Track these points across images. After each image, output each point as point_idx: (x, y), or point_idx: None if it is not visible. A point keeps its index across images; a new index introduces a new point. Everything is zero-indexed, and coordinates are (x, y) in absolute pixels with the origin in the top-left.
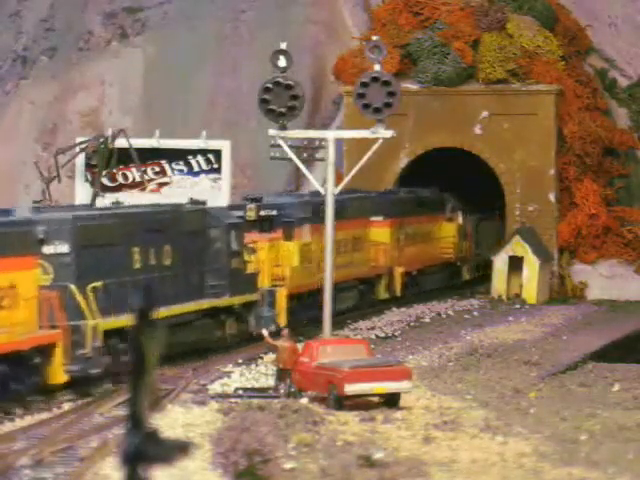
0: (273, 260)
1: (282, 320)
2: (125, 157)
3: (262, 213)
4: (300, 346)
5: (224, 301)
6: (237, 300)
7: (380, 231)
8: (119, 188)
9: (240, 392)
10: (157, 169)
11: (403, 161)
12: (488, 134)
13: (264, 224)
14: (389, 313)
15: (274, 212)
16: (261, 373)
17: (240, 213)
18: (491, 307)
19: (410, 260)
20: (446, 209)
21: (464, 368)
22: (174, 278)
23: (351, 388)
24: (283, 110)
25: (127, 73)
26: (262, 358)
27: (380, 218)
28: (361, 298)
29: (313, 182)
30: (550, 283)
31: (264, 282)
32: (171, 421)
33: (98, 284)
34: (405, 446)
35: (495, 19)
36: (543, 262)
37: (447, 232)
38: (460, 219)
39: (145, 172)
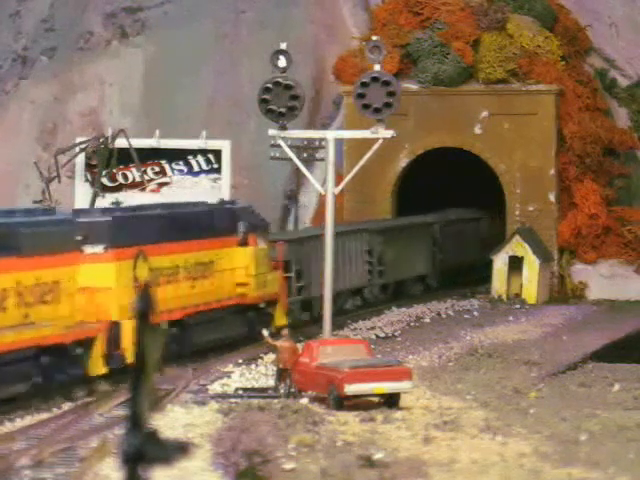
0: None
1: None
2: (125, 157)
3: None
4: (300, 346)
5: None
6: None
7: (97, 269)
8: (119, 188)
9: (240, 392)
10: (157, 169)
11: (403, 161)
12: (488, 134)
13: None
14: (389, 313)
15: None
16: (261, 373)
17: None
18: (491, 307)
19: (166, 305)
20: (238, 230)
21: (464, 368)
22: None
23: (351, 388)
24: (283, 110)
25: (127, 73)
26: (262, 358)
27: (99, 249)
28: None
29: (313, 182)
30: (550, 283)
31: None
32: (171, 421)
33: None
34: (405, 446)
35: (495, 19)
36: (543, 262)
37: (239, 262)
38: (263, 242)
39: (145, 172)
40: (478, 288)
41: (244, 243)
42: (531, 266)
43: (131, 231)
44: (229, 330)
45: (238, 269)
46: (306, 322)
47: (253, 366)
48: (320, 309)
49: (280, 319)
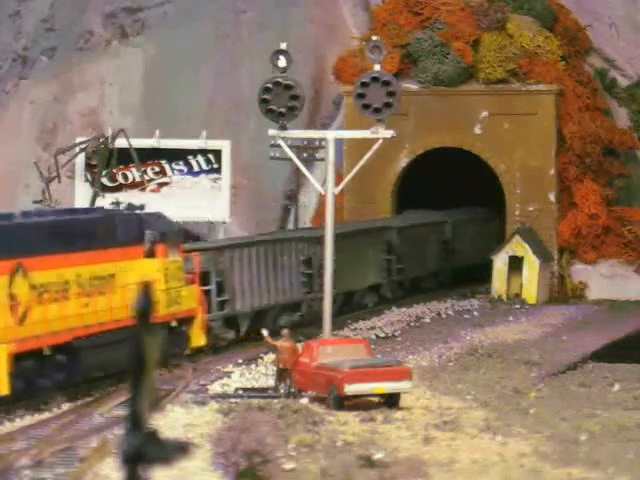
0: None
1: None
2: (125, 157)
3: None
4: (300, 346)
5: None
6: None
7: None
8: (119, 188)
9: (240, 392)
10: (157, 169)
11: (403, 161)
12: (488, 134)
13: None
14: (389, 313)
15: None
16: (261, 373)
17: None
18: (491, 307)
19: (50, 327)
20: (145, 239)
21: (464, 368)
22: None
23: (351, 388)
24: (283, 110)
25: (127, 73)
26: (262, 358)
27: None
28: None
29: (313, 182)
30: (550, 283)
31: None
32: (171, 421)
33: None
34: (405, 446)
35: (495, 19)
36: (543, 262)
37: (145, 275)
38: (175, 253)
39: (145, 172)
40: (478, 288)
41: (151, 254)
42: (531, 266)
43: (9, 241)
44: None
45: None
46: (231, 341)
47: (253, 366)
48: (251, 325)
49: (197, 339)
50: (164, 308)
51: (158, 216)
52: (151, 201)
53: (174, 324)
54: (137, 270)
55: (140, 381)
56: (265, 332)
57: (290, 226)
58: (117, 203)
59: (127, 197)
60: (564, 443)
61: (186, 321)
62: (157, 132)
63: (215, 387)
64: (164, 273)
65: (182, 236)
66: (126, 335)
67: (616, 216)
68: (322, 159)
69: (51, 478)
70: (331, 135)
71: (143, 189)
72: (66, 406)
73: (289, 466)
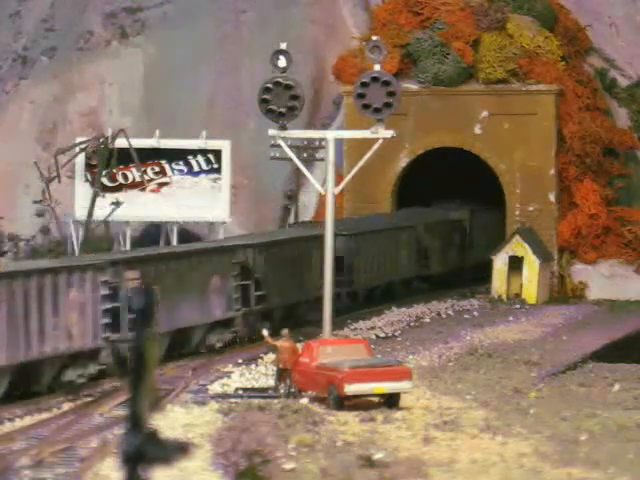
0: None
1: None
2: (125, 157)
3: None
4: (300, 346)
5: None
6: None
7: None
8: (119, 188)
9: (240, 392)
10: (157, 169)
11: (403, 161)
12: (488, 134)
13: None
14: (389, 313)
15: None
16: (261, 373)
17: None
18: (491, 307)
19: None
20: None
21: (464, 368)
22: None
23: (351, 388)
24: (283, 110)
25: (127, 73)
26: (262, 358)
27: None
28: None
29: (313, 182)
30: (550, 283)
31: None
32: (171, 421)
33: None
34: (405, 446)
35: (495, 19)
36: (543, 262)
37: None
38: None
39: (145, 172)
40: (478, 288)
41: None
42: (531, 266)
43: None
44: None
45: None
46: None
47: (253, 366)
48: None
49: None
50: None
51: None
52: (151, 201)
53: None
54: None
55: (140, 381)
56: (265, 332)
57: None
58: (117, 203)
59: (127, 197)
60: (564, 443)
61: None
62: (157, 132)
63: (215, 387)
64: None
65: None
66: None
67: (616, 216)
68: (322, 159)
69: (51, 478)
70: (331, 135)
71: (143, 189)
72: (66, 406)
73: (289, 466)
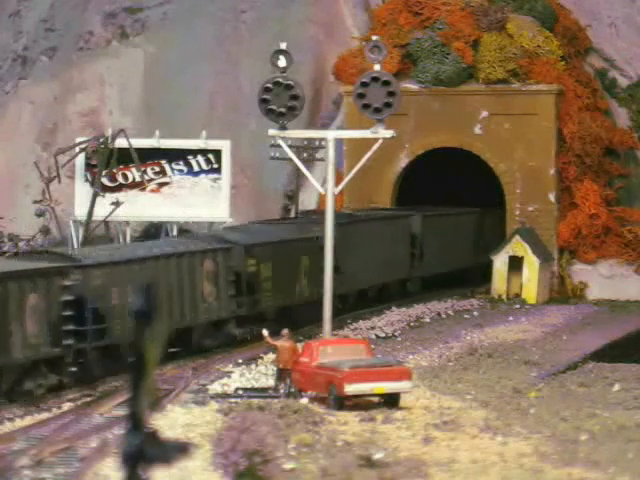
0: None
1: None
2: (125, 157)
3: None
4: (300, 346)
5: None
6: None
7: None
8: (119, 188)
9: (240, 392)
10: (157, 169)
11: (403, 161)
12: (488, 134)
13: None
14: (389, 313)
15: None
16: (261, 373)
17: None
18: (491, 307)
19: None
20: None
21: (464, 368)
22: None
23: (351, 388)
24: (283, 110)
25: (127, 73)
26: (262, 358)
27: None
28: None
29: (313, 182)
30: (550, 283)
31: None
32: (171, 421)
33: None
34: (405, 446)
35: (495, 19)
36: (543, 262)
37: None
38: None
39: (145, 172)
40: (478, 288)
41: None
42: (531, 266)
43: None
44: None
45: None
46: None
47: (253, 366)
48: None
49: None
50: None
51: None
52: (151, 201)
53: None
54: None
55: (140, 381)
56: (265, 332)
57: None
58: (117, 203)
59: (127, 197)
60: (564, 443)
61: None
62: (157, 132)
63: (215, 387)
64: None
65: None
66: None
67: (616, 216)
68: (322, 159)
69: (51, 478)
70: (331, 135)
71: (143, 189)
72: (66, 406)
73: (289, 466)
